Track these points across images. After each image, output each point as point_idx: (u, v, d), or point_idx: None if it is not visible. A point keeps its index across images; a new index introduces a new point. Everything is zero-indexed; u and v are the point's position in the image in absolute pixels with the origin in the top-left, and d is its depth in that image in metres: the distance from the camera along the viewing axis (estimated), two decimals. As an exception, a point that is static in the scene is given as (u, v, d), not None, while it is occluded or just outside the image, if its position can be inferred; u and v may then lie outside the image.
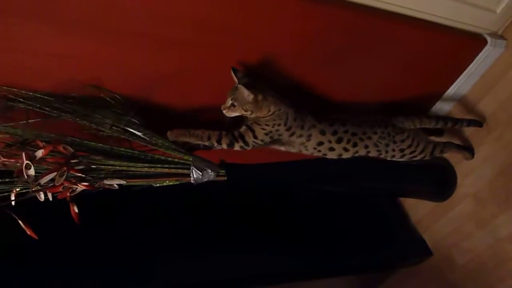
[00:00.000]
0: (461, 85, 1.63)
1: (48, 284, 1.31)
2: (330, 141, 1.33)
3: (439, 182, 1.78)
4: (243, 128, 1.28)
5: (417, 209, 1.97)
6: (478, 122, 1.57)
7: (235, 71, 1.21)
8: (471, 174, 1.71)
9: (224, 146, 1.27)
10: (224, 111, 1.23)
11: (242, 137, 1.27)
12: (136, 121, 1.17)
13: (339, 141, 1.34)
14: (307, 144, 1.33)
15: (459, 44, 1.48)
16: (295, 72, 1.35)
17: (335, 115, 1.38)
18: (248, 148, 1.28)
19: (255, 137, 1.27)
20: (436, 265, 1.92)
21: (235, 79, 1.21)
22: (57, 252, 1.31)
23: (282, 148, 1.35)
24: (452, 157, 1.75)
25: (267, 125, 1.26)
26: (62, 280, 1.31)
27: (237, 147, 1.28)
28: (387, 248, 1.89)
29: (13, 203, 1.02)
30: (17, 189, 1.03)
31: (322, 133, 1.32)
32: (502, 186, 1.61)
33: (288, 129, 1.28)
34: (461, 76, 1.60)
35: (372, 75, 1.49)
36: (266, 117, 1.25)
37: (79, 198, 1.11)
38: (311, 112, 1.33)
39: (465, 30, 1.46)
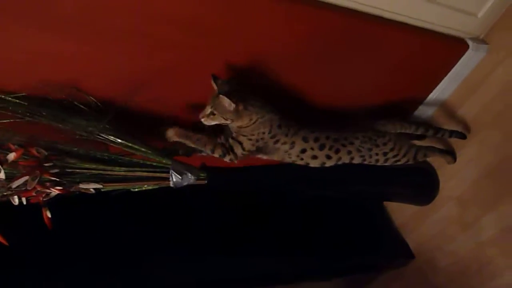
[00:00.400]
0: (443, 89, 1.63)
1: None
2: (312, 148, 1.33)
3: (422, 186, 1.79)
4: (231, 140, 1.28)
5: (401, 212, 1.97)
6: (462, 134, 1.54)
7: (215, 78, 1.19)
8: (454, 177, 1.71)
9: (216, 155, 1.28)
10: (202, 120, 1.21)
11: (232, 149, 1.27)
12: (109, 127, 1.15)
13: (321, 147, 1.33)
14: (291, 152, 1.32)
15: (441, 48, 1.48)
16: (280, 75, 1.35)
17: (317, 123, 1.37)
18: (237, 160, 1.29)
19: (243, 148, 1.27)
20: (420, 268, 1.92)
21: (215, 87, 1.19)
22: (55, 254, 1.31)
23: (265, 157, 1.34)
24: (434, 160, 1.75)
25: (252, 134, 1.25)
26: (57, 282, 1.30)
27: (227, 159, 1.28)
28: (370, 251, 1.89)
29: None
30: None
31: (305, 140, 1.32)
32: (485, 188, 1.61)
33: (272, 137, 1.28)
34: (443, 80, 1.60)
35: (355, 78, 1.49)
36: (248, 126, 1.24)
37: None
38: (295, 118, 1.32)
39: (447, 34, 1.47)
